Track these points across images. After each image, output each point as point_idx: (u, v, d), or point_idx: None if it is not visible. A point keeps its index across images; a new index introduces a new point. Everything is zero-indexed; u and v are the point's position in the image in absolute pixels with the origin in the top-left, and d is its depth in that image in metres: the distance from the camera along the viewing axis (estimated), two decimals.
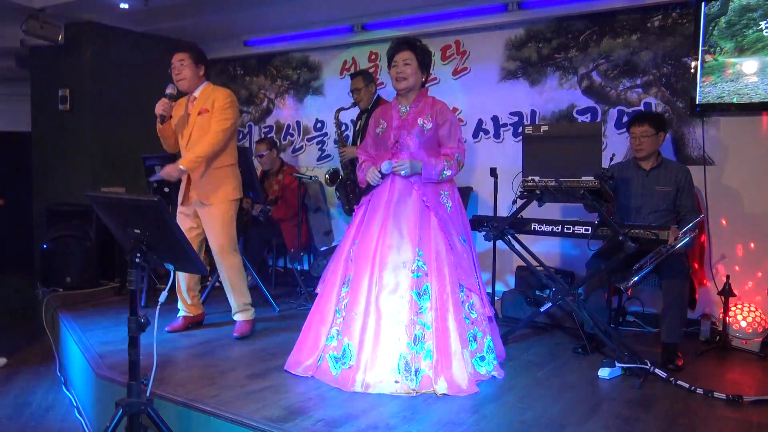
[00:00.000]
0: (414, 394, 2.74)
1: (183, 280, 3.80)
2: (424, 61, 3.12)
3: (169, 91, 3.54)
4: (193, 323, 3.89)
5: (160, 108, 3.52)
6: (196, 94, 3.65)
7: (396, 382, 2.78)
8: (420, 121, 3.07)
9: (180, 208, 3.70)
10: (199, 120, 3.58)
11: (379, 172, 3.05)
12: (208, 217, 3.61)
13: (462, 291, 2.98)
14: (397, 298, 2.87)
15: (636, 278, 3.12)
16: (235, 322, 3.75)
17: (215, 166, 3.59)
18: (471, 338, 2.96)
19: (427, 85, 3.22)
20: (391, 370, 2.79)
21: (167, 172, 3.50)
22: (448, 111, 3.12)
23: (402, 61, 3.08)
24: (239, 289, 3.71)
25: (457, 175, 3.17)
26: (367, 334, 2.85)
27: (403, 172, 2.99)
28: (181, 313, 3.85)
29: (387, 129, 3.14)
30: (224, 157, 3.62)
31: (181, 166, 3.47)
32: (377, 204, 3.08)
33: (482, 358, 3.00)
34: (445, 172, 3.02)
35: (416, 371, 2.79)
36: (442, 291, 2.91)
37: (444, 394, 2.75)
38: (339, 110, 4.79)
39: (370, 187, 3.15)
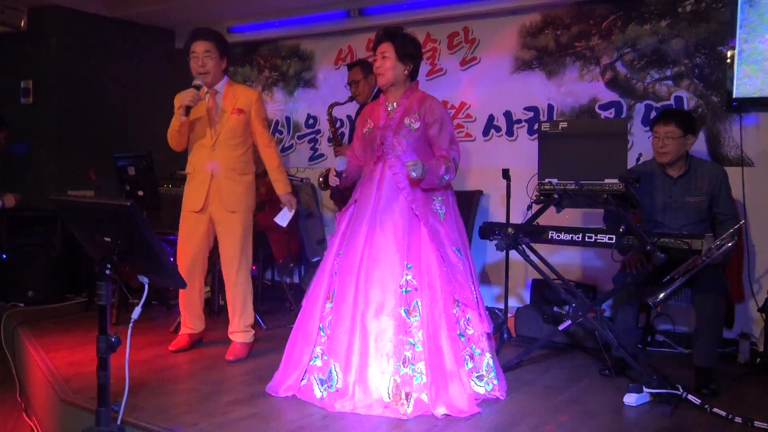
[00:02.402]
0: (405, 419, 2.76)
1: (190, 289, 3.77)
2: (405, 52, 3.12)
3: (197, 82, 3.60)
4: (197, 341, 3.90)
5: (188, 98, 3.54)
6: (219, 89, 3.71)
7: (386, 407, 2.80)
8: (407, 120, 3.10)
9: (193, 215, 3.71)
10: (233, 120, 3.67)
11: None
12: (231, 224, 3.67)
13: (458, 306, 3.01)
14: (384, 316, 2.90)
15: (666, 292, 3.11)
16: (230, 341, 3.75)
17: (244, 172, 3.73)
18: (468, 356, 3.00)
19: (417, 78, 3.24)
20: (380, 394, 2.83)
21: (292, 203, 3.82)
22: (438, 108, 3.13)
23: (380, 54, 3.11)
24: (248, 306, 3.77)
25: (466, 177, 3.18)
26: (354, 356, 2.89)
27: (414, 174, 2.95)
28: (186, 330, 3.85)
29: (374, 129, 3.17)
30: (252, 164, 3.80)
31: (290, 189, 3.83)
32: (363, 211, 3.10)
33: (480, 378, 3.03)
34: (444, 177, 3.04)
35: (407, 394, 2.81)
36: (433, 307, 2.92)
37: (446, 415, 2.77)
38: (332, 105, 4.80)
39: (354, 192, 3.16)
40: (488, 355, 3.07)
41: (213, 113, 3.68)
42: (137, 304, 2.37)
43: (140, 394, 3.03)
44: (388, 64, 3.09)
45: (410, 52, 3.14)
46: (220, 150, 3.66)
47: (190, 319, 3.84)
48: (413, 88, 3.19)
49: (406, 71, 3.14)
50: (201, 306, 3.87)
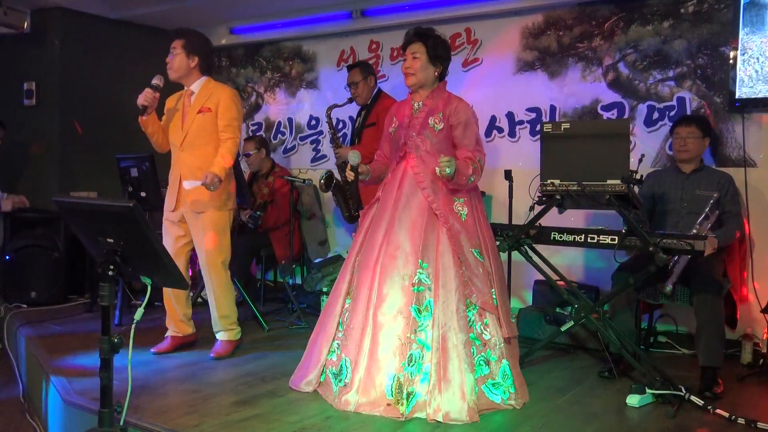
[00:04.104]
0: (402, 419, 2.76)
1: (172, 291, 3.76)
2: (436, 54, 3.14)
3: (155, 81, 3.58)
4: (183, 344, 3.86)
5: (142, 99, 3.55)
6: (194, 89, 3.68)
7: (387, 404, 2.80)
8: (431, 120, 3.11)
9: (167, 215, 3.72)
10: (199, 119, 3.62)
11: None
12: (199, 226, 3.63)
13: (474, 309, 2.98)
14: (394, 313, 2.91)
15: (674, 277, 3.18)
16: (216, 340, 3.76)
17: None
18: (482, 362, 2.95)
19: (446, 79, 3.25)
20: (383, 391, 2.83)
21: (212, 180, 3.43)
22: (464, 110, 3.13)
23: (410, 54, 3.14)
24: (227, 306, 3.73)
25: None
26: (362, 351, 2.92)
27: (447, 170, 2.90)
28: (170, 333, 3.84)
29: (398, 128, 3.22)
30: None
31: (220, 174, 3.47)
32: (384, 209, 3.14)
33: (496, 386, 2.96)
34: (471, 178, 3.04)
35: (409, 395, 2.81)
36: (445, 308, 2.90)
37: (435, 421, 2.74)
38: (331, 108, 4.81)
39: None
40: (505, 362, 3.00)
41: (185, 114, 3.67)
42: (140, 305, 2.38)
43: (143, 395, 3.03)
44: (418, 65, 3.11)
45: (441, 54, 3.17)
46: (188, 150, 3.63)
47: (174, 321, 3.82)
48: (440, 89, 3.20)
49: (435, 72, 3.16)
50: (183, 308, 3.80)
